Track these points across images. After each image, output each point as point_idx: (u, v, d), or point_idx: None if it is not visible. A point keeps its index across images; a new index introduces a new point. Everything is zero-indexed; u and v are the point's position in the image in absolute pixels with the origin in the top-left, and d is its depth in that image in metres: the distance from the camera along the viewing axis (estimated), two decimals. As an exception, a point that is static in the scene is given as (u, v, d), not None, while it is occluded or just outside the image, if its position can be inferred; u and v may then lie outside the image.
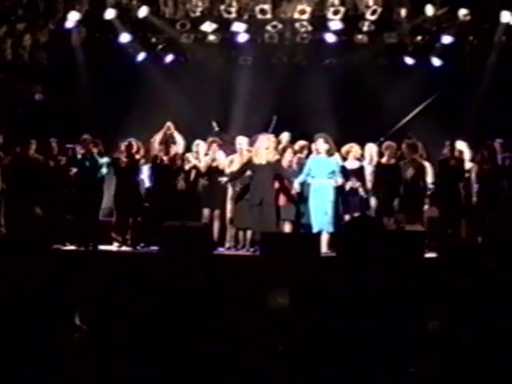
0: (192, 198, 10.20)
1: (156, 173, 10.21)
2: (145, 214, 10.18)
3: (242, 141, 10.30)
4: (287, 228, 9.86)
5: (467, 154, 10.25)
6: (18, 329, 3.00)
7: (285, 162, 9.98)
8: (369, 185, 10.00)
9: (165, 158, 10.13)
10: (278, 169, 9.67)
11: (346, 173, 9.86)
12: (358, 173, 9.97)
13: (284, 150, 10.14)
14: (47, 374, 3.25)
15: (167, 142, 10.26)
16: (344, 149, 10.14)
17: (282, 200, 9.81)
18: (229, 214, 10.13)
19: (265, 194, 9.50)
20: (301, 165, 9.90)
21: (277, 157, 9.70)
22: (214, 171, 10.10)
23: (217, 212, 10.13)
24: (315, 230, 9.42)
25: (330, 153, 9.68)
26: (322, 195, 9.49)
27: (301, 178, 9.58)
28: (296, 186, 9.57)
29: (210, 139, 10.44)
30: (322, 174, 9.54)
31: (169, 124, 10.36)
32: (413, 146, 10.04)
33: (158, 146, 10.22)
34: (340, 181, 9.58)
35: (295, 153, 10.17)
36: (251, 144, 10.20)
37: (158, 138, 10.27)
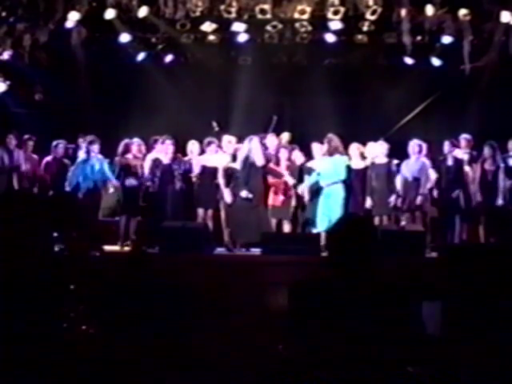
0: (187, 198, 10.23)
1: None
2: (143, 214, 10.17)
3: (231, 139, 10.40)
4: (286, 228, 9.87)
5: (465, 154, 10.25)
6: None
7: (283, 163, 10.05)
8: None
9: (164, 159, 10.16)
10: (267, 170, 9.75)
11: (350, 173, 9.92)
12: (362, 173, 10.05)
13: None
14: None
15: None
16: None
17: (279, 200, 9.84)
18: (223, 215, 10.14)
19: (256, 195, 9.60)
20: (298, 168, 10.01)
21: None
22: (208, 171, 10.12)
23: (210, 212, 10.13)
24: (320, 228, 9.43)
25: (338, 152, 9.76)
26: (332, 198, 9.57)
27: (311, 181, 9.65)
28: (303, 190, 9.65)
29: (207, 140, 10.44)
30: (332, 175, 9.64)
31: None
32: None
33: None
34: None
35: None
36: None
37: None
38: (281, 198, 9.88)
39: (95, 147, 10.25)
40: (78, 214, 4.97)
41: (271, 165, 9.98)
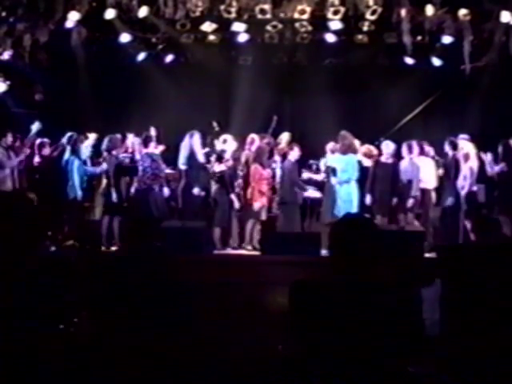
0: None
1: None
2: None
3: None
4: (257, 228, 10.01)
5: (472, 152, 10.20)
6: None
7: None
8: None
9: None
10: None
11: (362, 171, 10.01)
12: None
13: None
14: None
15: None
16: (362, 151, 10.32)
17: (264, 201, 9.94)
18: None
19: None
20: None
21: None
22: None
23: None
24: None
25: (351, 150, 9.81)
26: (345, 197, 9.62)
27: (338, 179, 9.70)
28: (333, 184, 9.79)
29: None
30: (344, 173, 9.69)
31: None
32: None
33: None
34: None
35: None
36: (249, 144, 10.32)
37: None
38: (264, 199, 9.97)
39: (80, 145, 10.28)
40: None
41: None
